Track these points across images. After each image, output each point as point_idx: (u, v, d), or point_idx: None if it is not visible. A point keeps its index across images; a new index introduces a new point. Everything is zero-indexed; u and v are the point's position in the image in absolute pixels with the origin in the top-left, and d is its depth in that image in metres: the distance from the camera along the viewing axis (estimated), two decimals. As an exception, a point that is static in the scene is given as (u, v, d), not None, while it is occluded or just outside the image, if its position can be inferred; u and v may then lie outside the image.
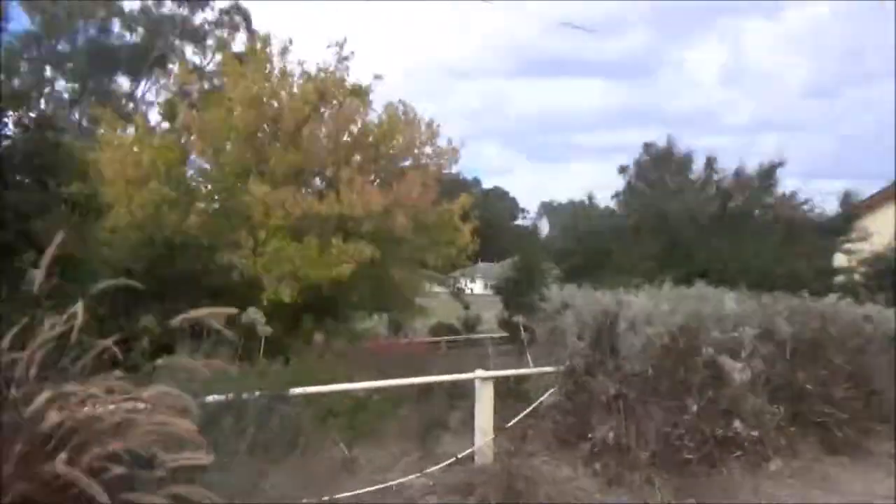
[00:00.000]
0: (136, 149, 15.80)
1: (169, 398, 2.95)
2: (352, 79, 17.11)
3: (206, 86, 26.30)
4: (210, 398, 3.91)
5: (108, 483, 2.44)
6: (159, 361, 2.95)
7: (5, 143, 7.65)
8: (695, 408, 5.38)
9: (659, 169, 18.24)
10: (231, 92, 16.26)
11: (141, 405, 2.74)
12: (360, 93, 17.30)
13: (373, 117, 17.26)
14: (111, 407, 2.72)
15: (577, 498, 4.48)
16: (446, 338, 18.72)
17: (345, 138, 16.88)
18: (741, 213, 14.69)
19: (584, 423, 5.47)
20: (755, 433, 5.59)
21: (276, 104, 16.21)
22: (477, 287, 35.97)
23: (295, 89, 16.56)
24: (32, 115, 8.21)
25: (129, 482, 2.56)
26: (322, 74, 16.77)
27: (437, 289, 18.86)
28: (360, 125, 17.06)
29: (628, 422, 5.27)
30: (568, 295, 6.28)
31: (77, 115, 43.24)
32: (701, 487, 5.05)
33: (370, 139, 16.92)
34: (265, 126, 16.38)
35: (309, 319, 13.23)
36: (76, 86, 43.65)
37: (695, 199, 14.89)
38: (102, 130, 17.66)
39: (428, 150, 17.91)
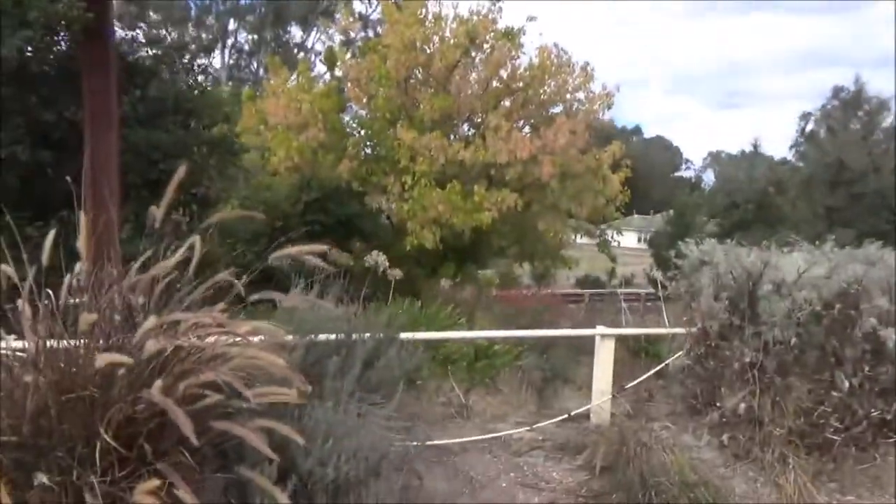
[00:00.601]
0: (297, 96, 16.64)
1: (267, 333, 3.08)
2: (505, 21, 16.75)
3: (370, 34, 27.05)
4: (322, 337, 4.06)
5: (200, 411, 2.58)
6: (254, 296, 3.05)
7: (161, 88, 8.33)
8: (847, 384, 4.78)
9: (847, 115, 16.36)
10: (387, 38, 16.56)
11: (237, 339, 2.87)
12: (512, 36, 16.89)
13: (524, 61, 16.85)
14: (211, 339, 2.87)
15: (697, 470, 4.18)
16: (590, 290, 18.29)
17: (494, 83, 16.69)
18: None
19: (713, 391, 5.07)
20: (922, 419, 4.89)
21: (427, 49, 16.29)
22: (629, 240, 34.66)
23: (447, 34, 16.52)
24: (184, 61, 8.85)
25: (223, 411, 2.71)
26: (474, 18, 16.56)
27: (584, 240, 18.32)
28: (509, 69, 16.75)
29: (764, 393, 4.80)
30: (707, 251, 5.79)
31: (255, 65, 46.55)
32: (846, 473, 4.53)
33: (520, 84, 16.58)
34: (416, 72, 16.56)
35: (450, 265, 13.44)
36: (255, 37, 46.93)
37: (883, 147, 13.11)
38: (271, 79, 18.76)
39: (580, 95, 17.25)
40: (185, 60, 8.87)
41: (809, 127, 17.29)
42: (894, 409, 4.86)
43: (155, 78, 8.29)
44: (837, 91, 16.94)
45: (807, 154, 16.86)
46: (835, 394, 4.78)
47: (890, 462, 4.70)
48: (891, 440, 4.84)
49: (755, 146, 17.16)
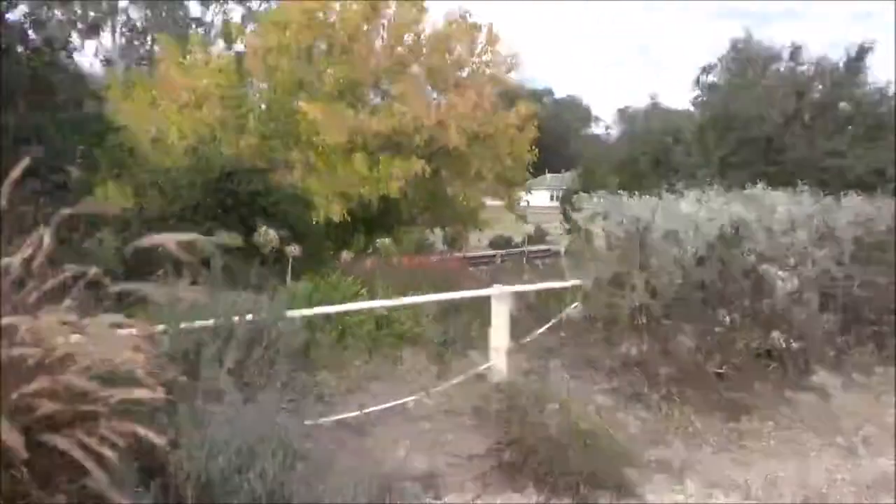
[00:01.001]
0: (192, 73, 15.87)
1: (132, 327, 2.90)
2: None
3: (274, 5, 26.04)
4: (199, 323, 3.88)
5: (37, 420, 2.41)
6: (116, 288, 2.86)
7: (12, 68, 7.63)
8: (727, 319, 5.01)
9: (741, 66, 17.01)
10: (284, 10, 16.00)
11: (86, 338, 2.67)
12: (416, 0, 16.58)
13: (428, 26, 16.60)
14: (60, 339, 2.66)
15: (590, 417, 4.26)
16: (502, 251, 18.54)
17: (399, 50, 16.37)
18: (820, 107, 13.41)
19: (607, 339, 5.22)
20: (798, 345, 5.18)
21: (330, 18, 15.79)
22: (541, 199, 35.35)
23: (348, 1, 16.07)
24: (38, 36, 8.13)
25: (63, 420, 2.52)
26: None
27: (496, 202, 18.42)
28: (413, 35, 16.47)
29: (653, 337, 4.97)
30: (599, 204, 5.90)
31: (150, 44, 44.23)
32: (729, 403, 4.74)
33: (424, 50, 16.34)
34: (318, 42, 16.06)
35: (360, 237, 13.26)
36: (148, 13, 44.46)
37: (769, 94, 13.67)
38: (162, 57, 17.79)
39: (486, 58, 17.16)
40: (42, 36, 8.13)
41: (711, 79, 17.89)
42: (770, 337, 5.12)
43: (4, 57, 7.57)
44: (735, 43, 17.59)
45: (704, 104, 17.47)
46: (717, 329, 5.00)
47: (770, 388, 4.96)
48: (769, 366, 5.11)
49: (653, 99, 17.67)
